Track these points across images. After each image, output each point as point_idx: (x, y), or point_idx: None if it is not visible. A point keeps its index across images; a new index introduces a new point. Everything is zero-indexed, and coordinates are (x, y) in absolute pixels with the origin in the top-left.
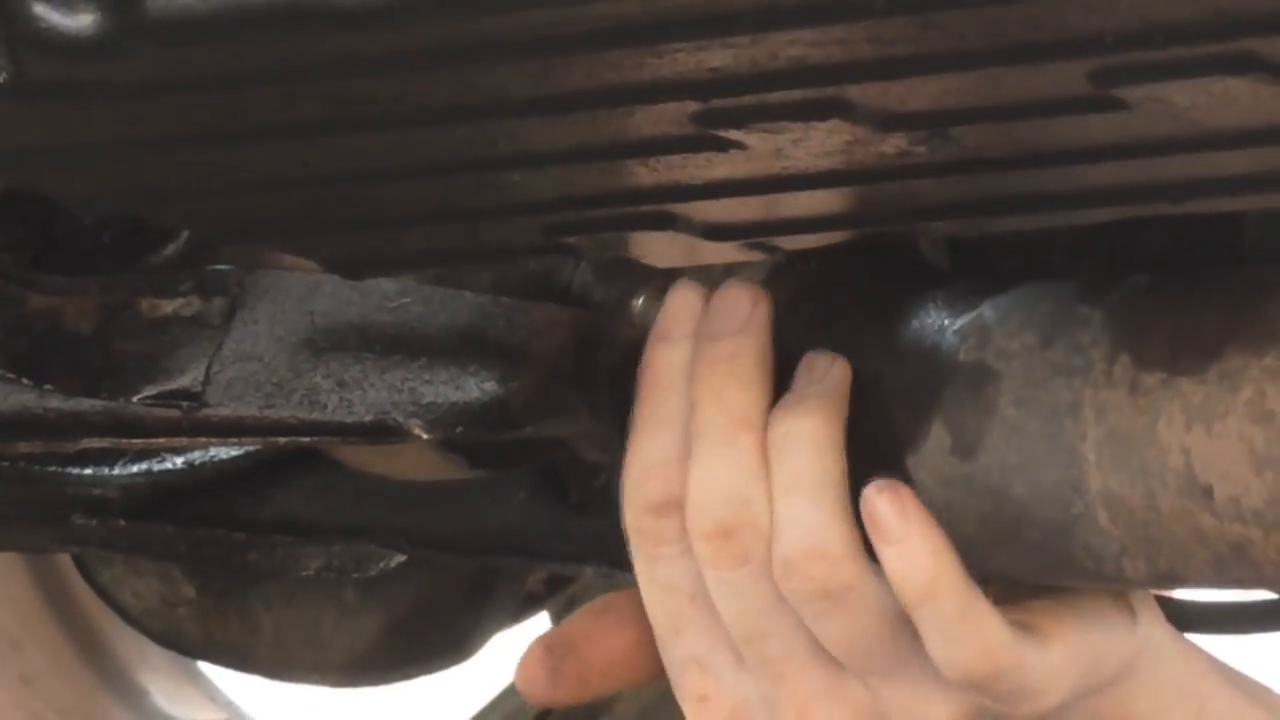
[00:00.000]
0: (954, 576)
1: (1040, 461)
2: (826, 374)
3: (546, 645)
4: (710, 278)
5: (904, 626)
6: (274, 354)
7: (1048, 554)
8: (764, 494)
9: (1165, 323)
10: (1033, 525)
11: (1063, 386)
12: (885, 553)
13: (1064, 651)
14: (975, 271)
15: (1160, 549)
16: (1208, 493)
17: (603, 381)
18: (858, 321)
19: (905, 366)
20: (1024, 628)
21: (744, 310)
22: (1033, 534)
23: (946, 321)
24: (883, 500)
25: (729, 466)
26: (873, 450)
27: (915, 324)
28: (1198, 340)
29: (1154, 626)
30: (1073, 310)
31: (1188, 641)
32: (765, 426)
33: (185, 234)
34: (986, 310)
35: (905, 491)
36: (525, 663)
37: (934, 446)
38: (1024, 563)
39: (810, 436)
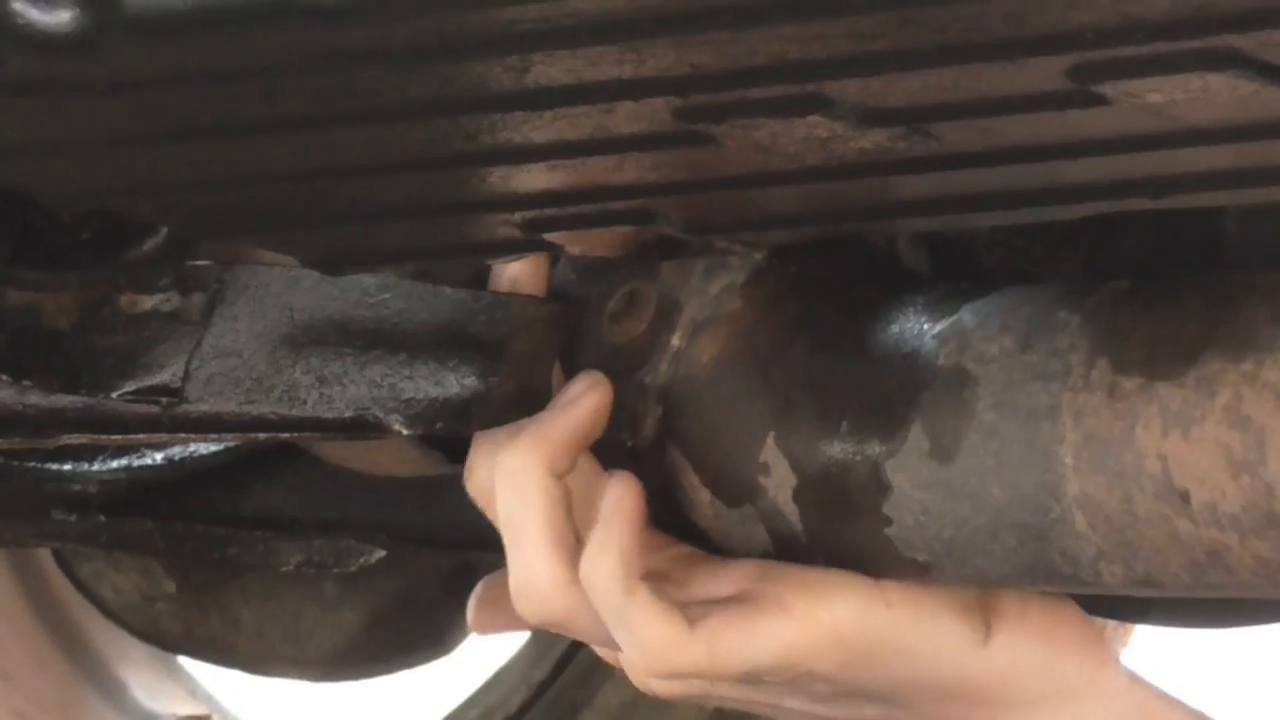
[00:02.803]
0: (608, 585)
1: (1018, 465)
2: (565, 400)
3: (487, 583)
4: (690, 280)
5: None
6: (253, 350)
7: (1025, 558)
8: None
9: (1143, 327)
10: (1010, 529)
11: (1041, 390)
12: None
13: (792, 631)
14: (955, 276)
15: (1137, 553)
16: (1184, 497)
17: None
18: (837, 325)
19: (883, 370)
20: (751, 608)
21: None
22: (1010, 538)
23: (925, 325)
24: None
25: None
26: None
27: (894, 328)
28: (1176, 345)
29: (1088, 673)
30: (1051, 314)
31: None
32: None
33: (164, 230)
34: (965, 315)
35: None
36: (471, 600)
37: (912, 450)
38: (1002, 567)
39: (510, 477)
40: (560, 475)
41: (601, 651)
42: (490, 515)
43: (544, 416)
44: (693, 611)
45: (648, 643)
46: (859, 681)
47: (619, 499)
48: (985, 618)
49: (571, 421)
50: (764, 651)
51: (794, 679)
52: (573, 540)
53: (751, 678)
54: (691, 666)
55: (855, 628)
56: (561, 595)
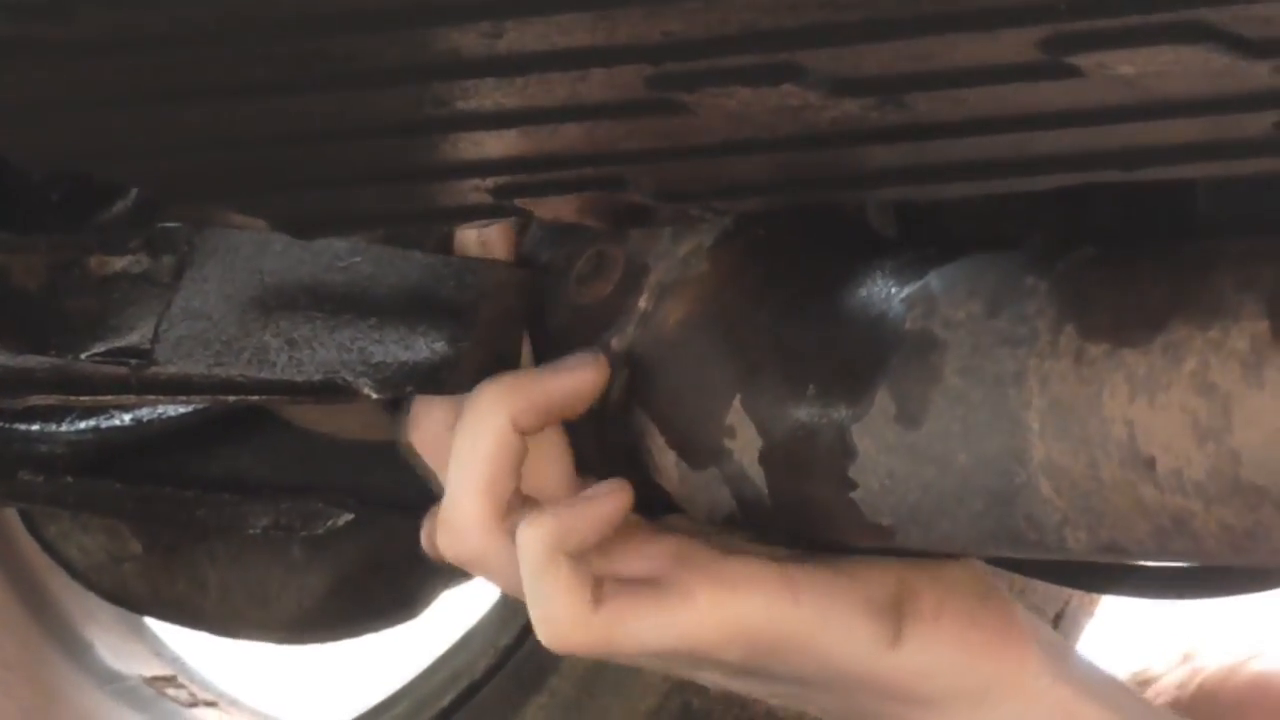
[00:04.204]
0: (535, 547)
1: (984, 430)
2: (557, 365)
3: (430, 513)
4: (657, 243)
5: None
6: (223, 312)
7: (990, 523)
8: None
9: (1111, 294)
10: (975, 494)
11: (1008, 356)
12: None
13: (694, 620)
14: (923, 241)
15: (1102, 520)
16: (1150, 464)
17: (550, 342)
18: (804, 289)
19: (850, 334)
20: (657, 593)
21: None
22: (975, 503)
23: (893, 290)
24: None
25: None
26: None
27: (862, 292)
28: (1143, 312)
29: (1006, 678)
30: (1019, 280)
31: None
32: None
33: (134, 192)
34: (933, 279)
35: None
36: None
37: (878, 414)
38: (967, 532)
39: (474, 412)
40: (522, 431)
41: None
42: (424, 469)
43: (530, 371)
44: (604, 589)
45: (550, 613)
46: (766, 671)
47: (610, 494)
48: (897, 618)
49: (553, 385)
50: (663, 639)
51: (696, 663)
52: (508, 492)
53: (651, 660)
54: (586, 646)
55: (759, 623)
56: (478, 536)
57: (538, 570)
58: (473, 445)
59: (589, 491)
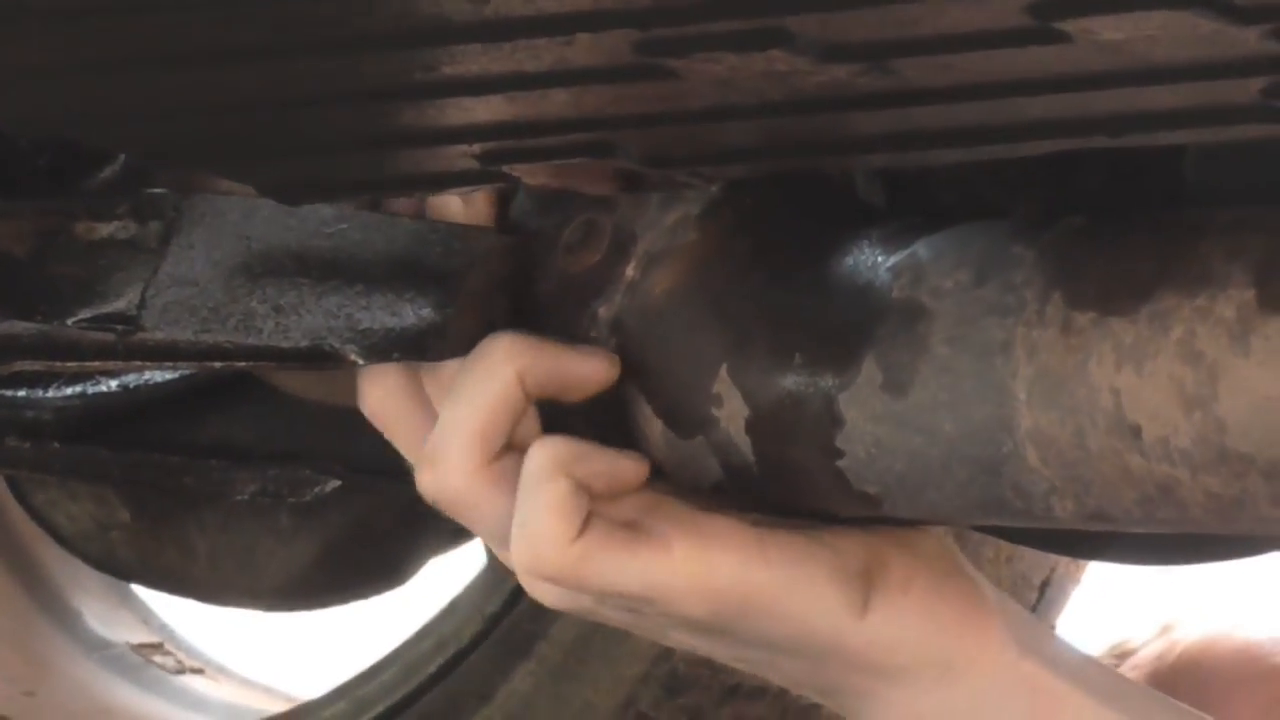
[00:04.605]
0: (541, 465)
1: (971, 399)
2: (581, 348)
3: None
4: (646, 212)
5: None
6: (210, 279)
7: (977, 492)
8: None
9: (1098, 263)
10: (962, 463)
11: (995, 325)
12: None
13: (669, 569)
14: (911, 210)
15: (1089, 488)
16: (1136, 432)
17: (537, 311)
18: (792, 257)
19: (838, 303)
20: (638, 537)
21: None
22: (962, 472)
23: (880, 259)
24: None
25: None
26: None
27: (849, 261)
28: (1130, 280)
29: (974, 656)
30: (1006, 249)
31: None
32: None
33: (122, 158)
34: (920, 248)
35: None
36: None
37: (865, 383)
38: (954, 501)
39: (486, 356)
40: (527, 393)
41: (499, 552)
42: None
43: (547, 340)
44: (589, 522)
45: (534, 531)
46: (732, 631)
47: (633, 457)
48: (866, 588)
49: (566, 361)
50: (632, 583)
51: (664, 615)
52: (499, 443)
53: (618, 602)
54: (558, 572)
55: (730, 580)
56: (462, 478)
57: (537, 483)
58: (476, 389)
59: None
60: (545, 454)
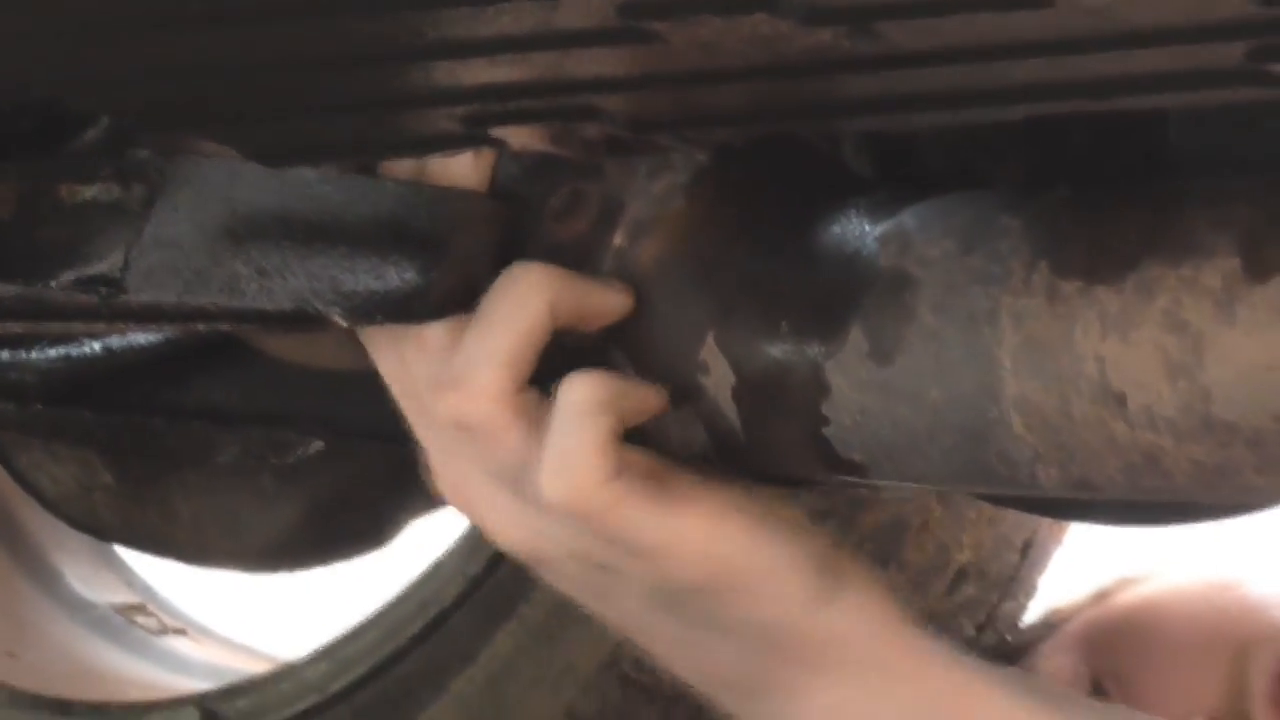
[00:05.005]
0: (584, 400)
1: (957, 367)
2: (605, 281)
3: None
4: (633, 180)
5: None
6: (194, 241)
7: (962, 460)
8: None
9: (1085, 232)
10: (948, 431)
11: (981, 294)
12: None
13: (688, 526)
14: (898, 180)
15: (1073, 456)
16: (1121, 400)
17: None
18: (779, 226)
19: (825, 272)
20: (663, 489)
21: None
22: (947, 439)
23: (867, 228)
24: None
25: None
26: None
27: (836, 230)
28: (1116, 250)
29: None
30: (993, 219)
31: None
32: None
33: (105, 120)
34: (907, 218)
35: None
36: None
37: (851, 351)
38: (939, 468)
39: (510, 293)
40: (553, 321)
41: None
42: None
43: (571, 273)
44: (626, 467)
45: (571, 462)
46: (702, 604)
47: (655, 386)
48: (838, 578)
49: (593, 292)
50: (654, 530)
51: (657, 574)
52: (528, 370)
53: (621, 551)
54: (594, 508)
55: (735, 550)
56: (491, 402)
57: (581, 417)
58: (509, 315)
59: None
60: (589, 388)
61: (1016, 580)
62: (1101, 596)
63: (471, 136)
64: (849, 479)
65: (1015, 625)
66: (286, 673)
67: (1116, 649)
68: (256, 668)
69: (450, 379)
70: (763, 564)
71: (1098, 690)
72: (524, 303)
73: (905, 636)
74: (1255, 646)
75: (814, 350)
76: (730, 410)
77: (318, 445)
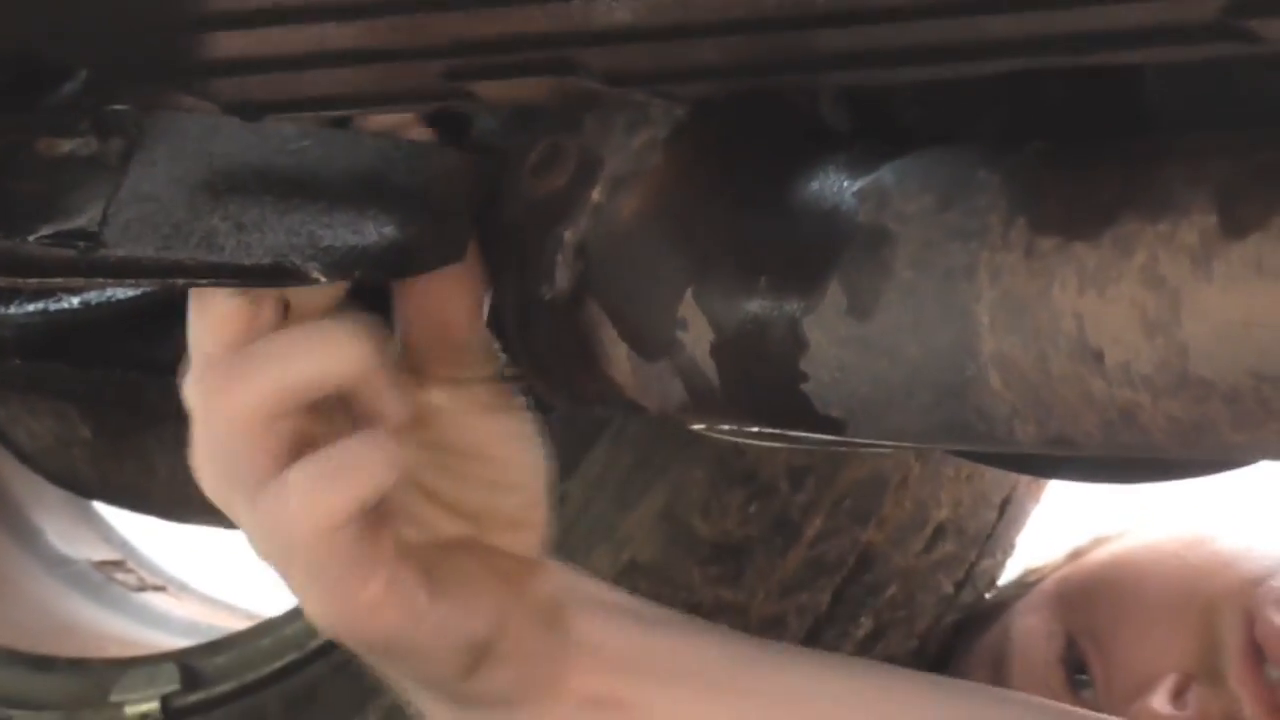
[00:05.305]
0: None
1: (935, 323)
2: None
3: None
4: (611, 135)
5: None
6: (172, 195)
7: (940, 416)
8: None
9: (1063, 188)
10: (926, 387)
11: (959, 249)
12: None
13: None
14: (876, 135)
15: (1050, 412)
16: (1098, 357)
17: (503, 234)
18: (757, 182)
19: (803, 227)
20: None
21: None
22: (925, 395)
23: (845, 184)
24: None
25: None
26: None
27: (814, 185)
28: (1094, 205)
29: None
30: (971, 174)
31: None
32: None
33: (83, 73)
34: (886, 173)
35: None
36: None
37: (830, 307)
38: (918, 424)
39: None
40: (333, 386)
41: None
42: None
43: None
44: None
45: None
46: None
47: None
48: (480, 656)
49: (389, 394)
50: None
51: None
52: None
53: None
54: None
55: (379, 630)
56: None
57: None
58: (306, 354)
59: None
60: (302, 526)
61: (994, 538)
62: (1076, 555)
63: (450, 90)
64: (827, 436)
65: (993, 583)
66: (265, 628)
67: (1090, 607)
68: (235, 624)
69: (224, 379)
70: (414, 641)
71: (1072, 647)
72: (327, 354)
73: (545, 681)
74: (1224, 601)
75: (792, 306)
76: (709, 367)
77: None
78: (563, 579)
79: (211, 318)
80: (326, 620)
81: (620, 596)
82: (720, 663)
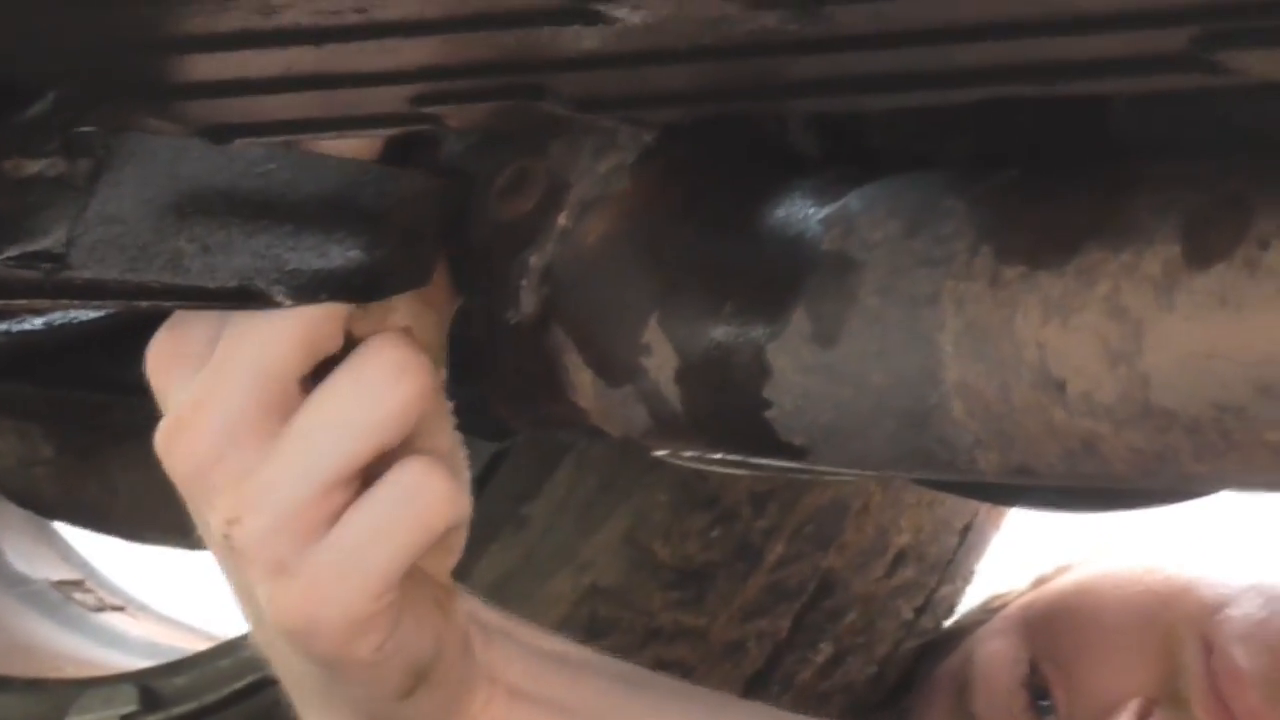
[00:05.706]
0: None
1: (899, 351)
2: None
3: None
4: (579, 160)
5: None
6: (138, 217)
7: (903, 444)
8: None
9: (1028, 217)
10: (889, 415)
11: (924, 277)
12: None
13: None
14: (844, 162)
15: (1013, 442)
16: (1060, 387)
17: (470, 257)
18: (724, 207)
19: (769, 254)
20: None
21: None
22: (889, 423)
23: (812, 210)
24: None
25: None
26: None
27: (781, 212)
28: (1059, 234)
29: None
30: (938, 201)
31: None
32: None
33: (51, 94)
34: (853, 200)
35: None
36: None
37: (794, 334)
38: (880, 452)
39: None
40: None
41: None
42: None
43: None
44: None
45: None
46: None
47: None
48: (417, 681)
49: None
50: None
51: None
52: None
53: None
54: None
55: (328, 645)
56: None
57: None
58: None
59: None
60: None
61: (955, 564)
62: (1041, 582)
63: (418, 115)
64: (789, 463)
65: (953, 609)
66: (225, 649)
67: (1053, 632)
68: (195, 645)
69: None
70: (356, 664)
71: (1035, 673)
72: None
73: (463, 706)
74: (1184, 626)
75: (757, 332)
76: (672, 393)
77: None
78: (466, 605)
79: (284, 336)
80: (301, 624)
81: (515, 624)
82: (596, 704)
